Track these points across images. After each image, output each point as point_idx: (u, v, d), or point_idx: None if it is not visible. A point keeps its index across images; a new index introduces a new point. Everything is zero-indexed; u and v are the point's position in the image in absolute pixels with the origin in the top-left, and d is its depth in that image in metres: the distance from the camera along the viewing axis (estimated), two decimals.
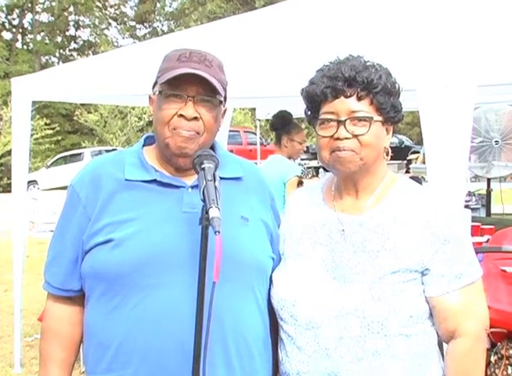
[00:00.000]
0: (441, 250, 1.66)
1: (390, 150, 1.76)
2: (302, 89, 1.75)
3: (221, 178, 1.72)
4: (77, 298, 1.78)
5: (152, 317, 1.62)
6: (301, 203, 1.86)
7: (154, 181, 1.72)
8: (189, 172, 1.75)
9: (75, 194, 1.75)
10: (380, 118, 1.69)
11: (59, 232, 1.79)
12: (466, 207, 5.08)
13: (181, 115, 1.69)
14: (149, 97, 1.80)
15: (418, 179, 7.85)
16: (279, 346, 1.77)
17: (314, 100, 1.71)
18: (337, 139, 1.65)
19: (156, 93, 1.74)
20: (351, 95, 1.66)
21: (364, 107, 1.66)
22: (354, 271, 1.66)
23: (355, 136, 1.65)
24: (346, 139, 1.65)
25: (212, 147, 1.82)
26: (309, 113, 1.75)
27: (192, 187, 1.73)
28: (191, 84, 1.69)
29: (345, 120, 1.65)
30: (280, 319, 1.74)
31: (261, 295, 1.76)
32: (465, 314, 1.67)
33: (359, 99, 1.66)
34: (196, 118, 1.70)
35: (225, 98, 1.79)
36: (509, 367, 2.99)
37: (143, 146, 1.84)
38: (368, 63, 1.71)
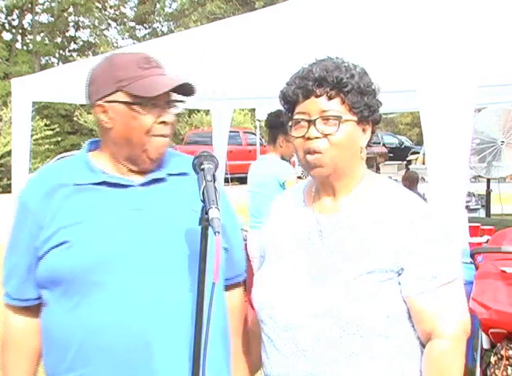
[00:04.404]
0: (419, 250, 1.64)
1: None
2: (280, 91, 1.76)
3: (169, 174, 1.78)
4: (36, 308, 1.78)
5: (112, 313, 1.64)
6: (283, 205, 1.86)
7: (103, 183, 1.74)
8: (144, 172, 1.78)
9: (24, 205, 1.77)
10: (353, 118, 1.67)
11: (12, 244, 1.80)
12: (466, 207, 5.08)
13: (162, 122, 1.72)
14: (99, 105, 1.73)
15: (414, 177, 7.84)
16: (261, 348, 1.77)
17: (288, 101, 1.72)
18: (308, 138, 1.65)
19: (122, 102, 1.71)
20: (321, 95, 1.66)
21: (335, 107, 1.66)
22: (330, 271, 1.65)
23: (325, 136, 1.64)
24: (316, 138, 1.64)
25: None
26: (287, 114, 1.75)
27: (142, 185, 1.76)
28: (167, 91, 1.72)
29: (315, 119, 1.65)
30: (261, 321, 1.74)
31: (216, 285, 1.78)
32: (442, 315, 1.65)
33: (330, 98, 1.66)
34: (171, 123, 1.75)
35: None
36: (509, 368, 2.99)
37: (88, 151, 1.84)
38: (342, 63, 1.71)
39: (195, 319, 1.60)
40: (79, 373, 1.67)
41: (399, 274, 1.65)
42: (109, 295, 1.65)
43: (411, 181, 7.61)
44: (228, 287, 1.88)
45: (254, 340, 1.88)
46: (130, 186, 1.75)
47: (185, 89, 1.76)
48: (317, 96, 1.66)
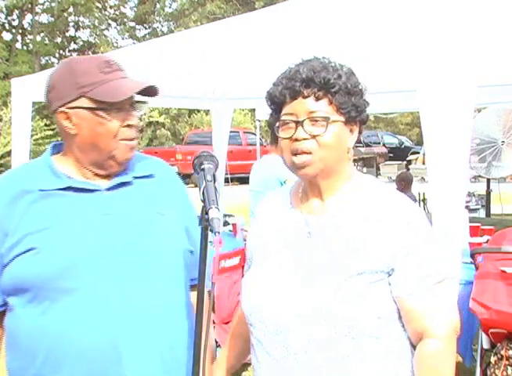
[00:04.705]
0: (409, 250, 1.64)
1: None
2: (266, 92, 1.75)
3: (134, 177, 1.78)
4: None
5: (81, 319, 1.63)
6: (269, 208, 1.85)
7: (69, 188, 1.72)
8: (109, 175, 1.77)
9: None
10: (341, 118, 1.67)
11: None
12: (466, 207, 5.08)
13: (128, 125, 1.72)
14: (62, 112, 1.72)
15: (410, 178, 7.84)
16: (251, 352, 1.77)
17: (275, 102, 1.71)
18: (296, 140, 1.64)
19: (87, 108, 1.70)
20: (308, 96, 1.65)
21: (322, 107, 1.65)
22: (319, 273, 1.64)
23: (314, 137, 1.64)
24: (304, 139, 1.64)
25: None
26: (274, 115, 1.74)
27: (108, 189, 1.75)
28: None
29: (303, 120, 1.64)
30: (250, 325, 1.73)
31: (181, 286, 1.79)
32: (433, 315, 1.64)
33: (317, 99, 1.65)
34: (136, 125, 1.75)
35: None
36: (509, 368, 2.99)
37: (51, 154, 1.83)
38: (330, 64, 1.70)
39: (194, 321, 1.60)
40: None
41: (389, 275, 1.65)
42: (77, 301, 1.64)
43: (407, 182, 7.61)
44: (193, 288, 1.87)
45: (238, 339, 1.89)
46: (96, 190, 1.74)
47: (148, 90, 1.75)
48: (304, 97, 1.65)
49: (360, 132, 1.74)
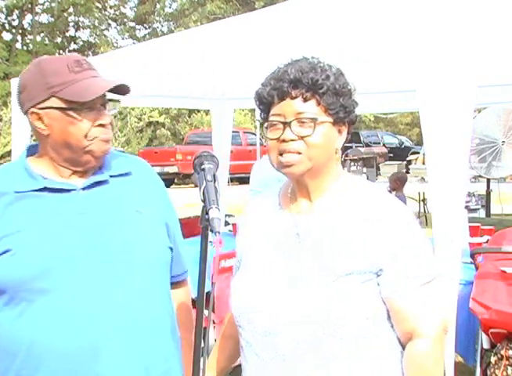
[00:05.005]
0: (398, 251, 1.64)
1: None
2: (255, 92, 1.74)
3: (111, 176, 1.77)
4: None
5: (58, 320, 1.63)
6: (258, 210, 1.84)
7: (44, 189, 1.72)
8: (81, 174, 1.76)
9: None
10: (329, 119, 1.66)
11: None
12: (466, 207, 5.09)
13: (100, 125, 1.71)
14: (33, 112, 1.72)
15: (404, 178, 7.85)
16: (240, 354, 1.76)
17: (263, 103, 1.70)
18: (283, 141, 1.64)
19: (57, 108, 1.69)
20: (296, 97, 1.64)
21: (310, 108, 1.64)
22: (308, 274, 1.64)
23: (301, 138, 1.63)
24: (292, 140, 1.63)
25: None
26: (263, 115, 1.74)
27: (84, 188, 1.74)
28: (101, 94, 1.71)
29: (290, 121, 1.63)
30: (239, 327, 1.72)
31: (160, 283, 1.79)
32: (422, 315, 1.64)
33: (305, 100, 1.64)
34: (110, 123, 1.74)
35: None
36: (509, 368, 2.99)
37: (26, 156, 1.82)
38: (318, 64, 1.69)
39: (194, 321, 1.60)
40: None
41: (378, 275, 1.65)
42: (53, 302, 1.63)
43: (402, 181, 7.64)
44: (174, 285, 1.88)
45: (229, 341, 1.89)
46: (72, 190, 1.73)
47: (120, 89, 1.74)
48: (292, 98, 1.65)
49: (349, 133, 1.74)
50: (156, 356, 1.73)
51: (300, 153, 1.63)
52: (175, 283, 1.90)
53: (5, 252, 1.64)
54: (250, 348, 1.69)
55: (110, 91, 1.73)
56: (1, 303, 1.67)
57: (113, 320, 1.65)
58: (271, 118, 1.68)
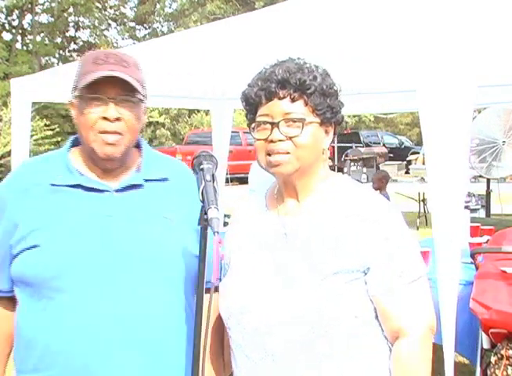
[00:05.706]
0: (385, 249, 1.64)
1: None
2: (241, 92, 1.74)
3: (146, 180, 1.76)
4: (7, 301, 1.78)
5: (76, 319, 1.65)
6: (245, 212, 1.84)
7: (79, 185, 1.73)
8: (116, 174, 1.77)
9: (1, 200, 1.76)
10: (316, 119, 1.67)
11: None
12: (466, 207, 5.08)
13: (104, 117, 1.69)
14: (70, 102, 1.78)
15: (387, 177, 7.91)
16: (231, 356, 1.76)
17: (250, 103, 1.70)
18: (271, 141, 1.64)
19: (77, 98, 1.74)
20: (284, 97, 1.65)
21: (298, 109, 1.65)
22: (297, 274, 1.64)
23: (290, 138, 1.63)
24: (280, 141, 1.64)
25: (138, 146, 1.84)
26: (249, 116, 1.74)
27: (117, 191, 1.74)
28: (110, 86, 1.69)
29: (278, 122, 1.64)
30: (229, 329, 1.72)
31: (182, 292, 1.77)
32: (408, 313, 1.65)
33: (293, 100, 1.65)
34: (118, 119, 1.70)
35: (145, 96, 1.79)
36: (509, 368, 2.98)
37: (71, 146, 1.84)
38: (305, 65, 1.69)
39: (194, 321, 1.59)
40: (43, 374, 1.68)
41: (365, 274, 1.65)
42: (67, 303, 1.65)
43: (386, 180, 7.71)
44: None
45: (226, 348, 1.87)
46: (105, 191, 1.74)
47: (132, 88, 1.71)
48: (280, 98, 1.65)
49: (335, 133, 1.75)
50: (166, 367, 1.73)
51: (288, 153, 1.64)
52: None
53: (32, 247, 1.67)
54: (240, 350, 1.69)
55: (125, 90, 1.70)
56: (27, 294, 1.71)
57: (121, 327, 1.65)
58: (258, 119, 1.68)
